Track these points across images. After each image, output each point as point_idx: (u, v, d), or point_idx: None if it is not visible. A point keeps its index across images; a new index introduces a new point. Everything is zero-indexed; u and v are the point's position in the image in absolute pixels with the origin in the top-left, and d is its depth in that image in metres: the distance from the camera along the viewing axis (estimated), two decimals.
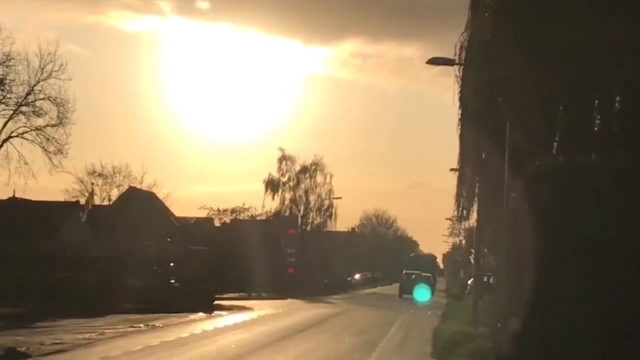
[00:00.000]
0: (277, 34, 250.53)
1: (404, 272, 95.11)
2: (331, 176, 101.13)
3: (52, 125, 54.29)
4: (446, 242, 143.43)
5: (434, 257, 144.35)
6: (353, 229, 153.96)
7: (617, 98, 23.25)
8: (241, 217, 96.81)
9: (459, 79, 34.68)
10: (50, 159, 54.40)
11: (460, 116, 35.44)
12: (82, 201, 73.63)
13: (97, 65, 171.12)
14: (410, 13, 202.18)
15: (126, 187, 79.50)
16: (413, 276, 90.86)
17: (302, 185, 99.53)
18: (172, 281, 59.13)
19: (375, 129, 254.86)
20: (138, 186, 78.80)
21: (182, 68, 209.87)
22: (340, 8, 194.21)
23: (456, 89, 34.74)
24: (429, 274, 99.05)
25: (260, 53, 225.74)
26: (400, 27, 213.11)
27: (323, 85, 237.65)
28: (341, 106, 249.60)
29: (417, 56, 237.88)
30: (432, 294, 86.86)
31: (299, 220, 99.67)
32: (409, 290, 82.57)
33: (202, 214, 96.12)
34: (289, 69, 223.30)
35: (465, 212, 41.99)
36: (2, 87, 52.48)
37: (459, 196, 39.54)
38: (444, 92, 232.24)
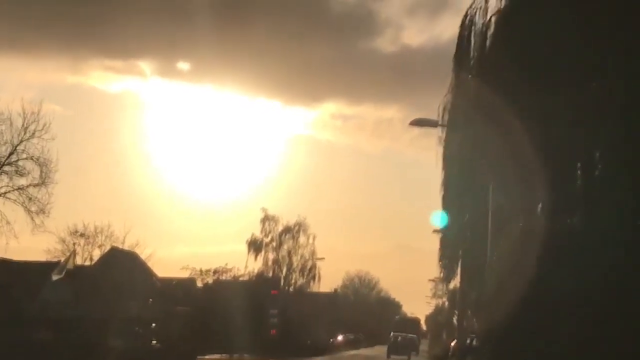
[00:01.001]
0: (258, 95, 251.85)
1: (391, 334, 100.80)
2: (314, 237, 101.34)
3: (35, 185, 54.20)
4: (429, 303, 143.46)
5: (418, 320, 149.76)
6: (336, 290, 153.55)
7: (600, 161, 23.37)
8: (224, 278, 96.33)
9: (442, 140, 34.94)
10: (32, 218, 54.22)
11: (443, 178, 35.66)
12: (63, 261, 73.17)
13: (79, 125, 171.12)
14: (389, 76, 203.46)
15: (108, 247, 79.02)
16: (399, 338, 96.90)
17: (285, 246, 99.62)
18: (154, 342, 58.70)
19: (358, 190, 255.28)
20: (120, 246, 78.32)
21: (165, 128, 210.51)
22: (319, 70, 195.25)
23: (439, 150, 34.99)
24: (414, 335, 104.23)
25: (242, 113, 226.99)
26: (379, 89, 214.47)
27: (305, 146, 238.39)
28: (323, 167, 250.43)
29: (397, 118, 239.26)
30: (417, 354, 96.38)
31: (282, 281, 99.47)
32: (397, 351, 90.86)
33: (185, 274, 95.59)
34: (270, 130, 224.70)
35: (449, 273, 42.09)
36: None
37: (443, 258, 39.66)
38: (424, 153, 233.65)
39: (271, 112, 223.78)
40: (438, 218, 27.13)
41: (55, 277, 65.10)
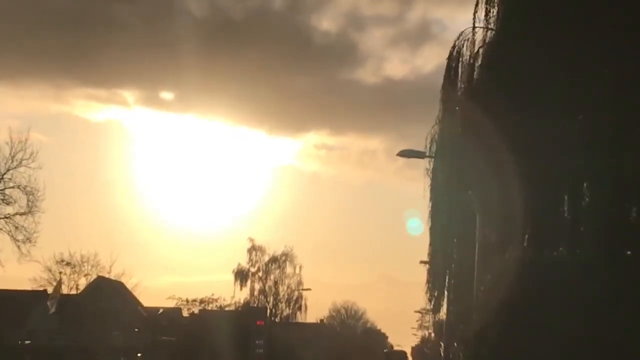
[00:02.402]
0: (241, 124, 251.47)
1: None
2: (301, 267, 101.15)
3: (22, 214, 54.06)
4: (415, 335, 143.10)
5: (404, 353, 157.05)
6: (322, 320, 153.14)
7: (587, 192, 23.46)
8: (210, 308, 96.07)
9: (429, 171, 35.03)
10: (18, 247, 54.03)
11: (430, 209, 35.69)
12: (50, 290, 72.96)
13: (64, 154, 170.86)
14: (372, 106, 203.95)
15: (94, 276, 78.80)
16: None
17: (272, 276, 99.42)
18: None
19: (343, 221, 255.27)
20: (106, 275, 78.11)
21: (150, 157, 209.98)
22: (302, 100, 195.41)
23: (427, 181, 35.08)
24: None
25: (226, 143, 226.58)
26: (363, 120, 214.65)
27: (290, 176, 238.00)
28: (308, 197, 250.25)
29: (381, 149, 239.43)
30: None
31: (268, 311, 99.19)
32: None
33: (171, 304, 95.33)
34: (255, 159, 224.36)
35: (436, 304, 42.04)
36: None
37: (433, 291, 39.61)
38: (409, 184, 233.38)
39: (255, 142, 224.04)
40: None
41: (51, 309, 64.94)
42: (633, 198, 22.02)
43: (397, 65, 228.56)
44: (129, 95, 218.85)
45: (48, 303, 67.75)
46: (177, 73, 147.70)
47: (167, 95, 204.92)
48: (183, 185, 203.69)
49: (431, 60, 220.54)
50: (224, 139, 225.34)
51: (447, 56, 30.01)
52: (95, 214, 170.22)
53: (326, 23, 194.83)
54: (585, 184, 23.17)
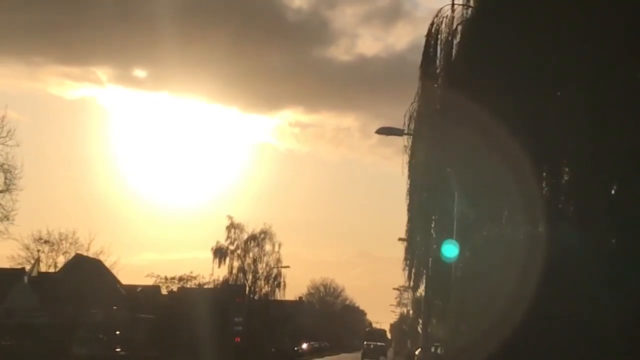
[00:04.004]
0: (215, 102, 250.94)
1: (364, 343, 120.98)
2: (279, 245, 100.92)
3: None
4: (394, 312, 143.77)
5: (384, 331, 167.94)
6: (301, 297, 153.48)
7: (566, 169, 23.55)
8: (189, 285, 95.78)
9: (407, 149, 35.01)
10: None
11: (409, 186, 35.70)
12: (29, 268, 72.76)
13: (39, 132, 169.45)
14: (345, 84, 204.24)
15: (73, 254, 78.53)
16: (372, 345, 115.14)
17: (251, 254, 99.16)
18: (118, 349, 58.46)
19: (319, 198, 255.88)
20: (85, 253, 77.82)
21: (125, 135, 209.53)
22: (275, 77, 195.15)
23: (405, 159, 35.06)
24: (383, 344, 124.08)
25: (201, 120, 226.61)
26: (336, 97, 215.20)
27: (265, 154, 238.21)
28: (285, 174, 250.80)
29: (355, 126, 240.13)
30: (385, 358, 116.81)
31: (247, 289, 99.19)
32: (369, 356, 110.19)
33: (149, 281, 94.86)
34: (230, 137, 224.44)
35: (414, 282, 42.16)
36: None
37: (410, 266, 39.66)
38: (383, 161, 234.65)
39: (230, 119, 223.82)
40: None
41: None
42: (612, 174, 22.11)
43: (369, 43, 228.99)
44: (102, 73, 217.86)
45: (25, 279, 67.60)
46: (150, 51, 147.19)
47: (140, 73, 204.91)
48: (160, 163, 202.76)
49: (404, 37, 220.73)
50: (199, 116, 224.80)
51: (419, 34, 30.19)
52: (73, 192, 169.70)
53: (298, 0, 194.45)
54: (564, 161, 23.24)
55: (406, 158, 34.90)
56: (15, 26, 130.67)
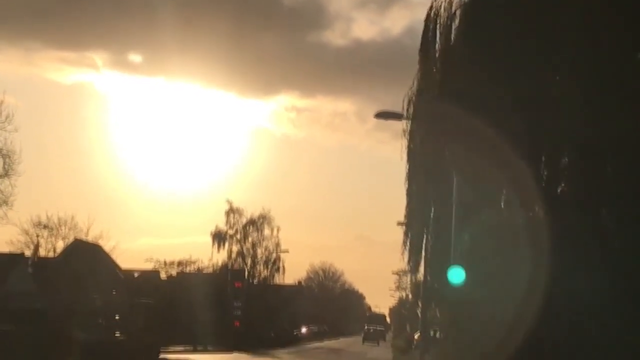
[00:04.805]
0: (211, 87, 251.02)
1: (365, 326, 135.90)
2: (278, 229, 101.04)
3: None
4: (392, 296, 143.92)
5: (384, 315, 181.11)
6: (300, 282, 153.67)
7: (565, 153, 23.52)
8: (188, 270, 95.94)
9: (406, 133, 34.91)
10: None
11: (407, 171, 35.63)
12: (28, 253, 72.81)
13: (36, 117, 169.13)
14: (340, 68, 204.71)
15: (72, 238, 78.66)
16: (371, 329, 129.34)
17: (250, 238, 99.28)
18: (117, 334, 58.45)
19: (317, 182, 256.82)
20: (84, 238, 78.00)
21: (123, 120, 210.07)
22: (272, 62, 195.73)
23: (404, 143, 34.97)
24: (382, 328, 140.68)
25: (197, 105, 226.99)
26: (332, 82, 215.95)
27: (262, 138, 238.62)
28: (281, 159, 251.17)
29: (351, 111, 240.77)
30: (385, 341, 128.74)
31: (246, 273, 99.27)
32: (369, 339, 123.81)
33: (148, 266, 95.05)
34: (227, 122, 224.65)
35: (413, 266, 42.12)
36: None
37: (410, 252, 39.61)
38: (380, 146, 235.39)
39: (226, 104, 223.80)
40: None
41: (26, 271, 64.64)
42: (611, 158, 22.09)
43: (365, 27, 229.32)
44: (97, 57, 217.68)
45: (26, 264, 67.62)
46: (146, 36, 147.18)
47: (136, 57, 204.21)
48: (157, 148, 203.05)
49: (399, 22, 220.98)
50: (195, 101, 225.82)
51: (415, 18, 30.60)
52: (72, 176, 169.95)
53: None
54: (563, 145, 23.22)
55: (405, 142, 34.82)
56: (10, 11, 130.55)
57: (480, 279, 24.28)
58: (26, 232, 76.21)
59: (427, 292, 49.88)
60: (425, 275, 46.66)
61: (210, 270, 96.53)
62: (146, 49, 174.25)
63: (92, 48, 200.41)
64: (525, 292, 22.24)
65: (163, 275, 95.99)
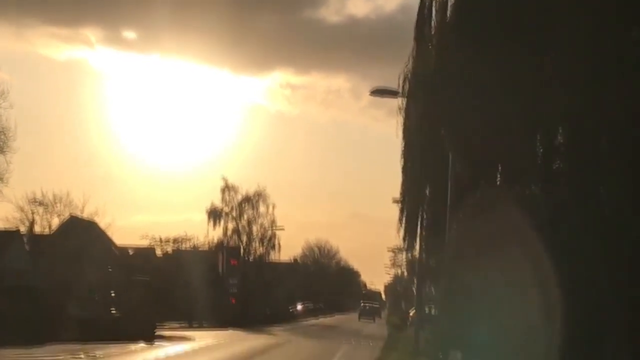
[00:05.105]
0: (205, 63, 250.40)
1: (361, 303, 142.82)
2: (274, 206, 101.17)
3: None
4: (388, 273, 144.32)
5: (379, 292, 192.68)
6: (295, 259, 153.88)
7: (560, 131, 23.49)
8: (183, 247, 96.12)
9: (402, 110, 34.92)
10: None
11: (403, 148, 35.66)
12: (23, 230, 72.80)
13: (30, 93, 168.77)
14: (335, 45, 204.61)
15: (67, 215, 78.66)
16: (367, 306, 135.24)
17: (245, 216, 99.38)
18: (113, 310, 58.59)
19: (312, 159, 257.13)
20: (79, 215, 77.99)
21: (118, 97, 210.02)
22: (266, 38, 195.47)
23: (399, 120, 34.97)
24: (378, 304, 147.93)
25: (192, 82, 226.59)
26: (326, 58, 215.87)
27: (257, 115, 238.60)
28: (276, 136, 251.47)
29: (345, 88, 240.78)
30: (380, 317, 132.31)
31: (242, 250, 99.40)
32: (365, 315, 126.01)
33: (144, 243, 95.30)
34: (222, 98, 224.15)
35: (409, 243, 42.17)
36: None
37: (406, 229, 39.62)
38: (374, 123, 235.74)
39: (221, 81, 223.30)
40: None
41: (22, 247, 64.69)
42: (607, 135, 22.06)
43: (359, 4, 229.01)
44: (90, 34, 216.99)
45: (22, 241, 67.66)
46: (139, 12, 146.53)
47: (130, 34, 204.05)
48: (153, 124, 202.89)
49: None
50: (190, 78, 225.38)
51: None
52: (67, 153, 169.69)
53: None
54: (558, 121, 23.19)
55: (400, 120, 34.83)
56: None
57: (473, 253, 24.29)
58: (21, 209, 76.20)
59: (422, 269, 49.98)
60: (420, 253, 46.76)
61: (206, 247, 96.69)
62: (140, 25, 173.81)
63: (86, 24, 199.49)
64: (520, 270, 22.26)
65: (158, 252, 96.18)
